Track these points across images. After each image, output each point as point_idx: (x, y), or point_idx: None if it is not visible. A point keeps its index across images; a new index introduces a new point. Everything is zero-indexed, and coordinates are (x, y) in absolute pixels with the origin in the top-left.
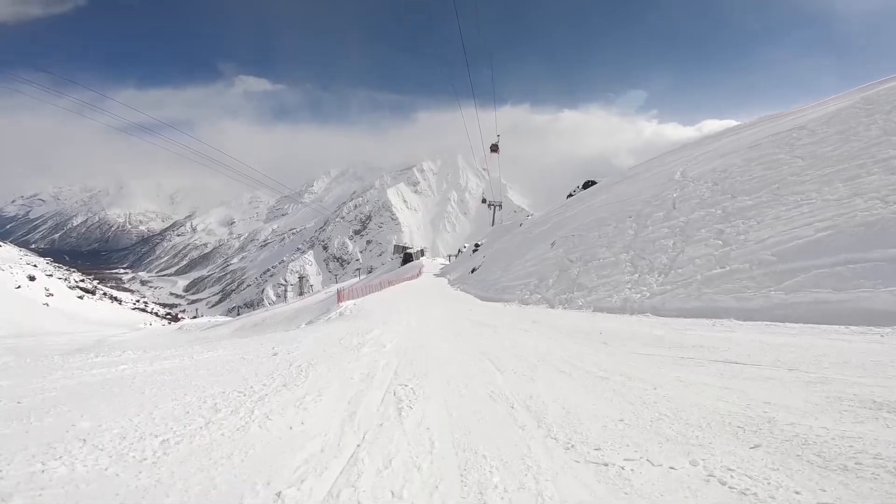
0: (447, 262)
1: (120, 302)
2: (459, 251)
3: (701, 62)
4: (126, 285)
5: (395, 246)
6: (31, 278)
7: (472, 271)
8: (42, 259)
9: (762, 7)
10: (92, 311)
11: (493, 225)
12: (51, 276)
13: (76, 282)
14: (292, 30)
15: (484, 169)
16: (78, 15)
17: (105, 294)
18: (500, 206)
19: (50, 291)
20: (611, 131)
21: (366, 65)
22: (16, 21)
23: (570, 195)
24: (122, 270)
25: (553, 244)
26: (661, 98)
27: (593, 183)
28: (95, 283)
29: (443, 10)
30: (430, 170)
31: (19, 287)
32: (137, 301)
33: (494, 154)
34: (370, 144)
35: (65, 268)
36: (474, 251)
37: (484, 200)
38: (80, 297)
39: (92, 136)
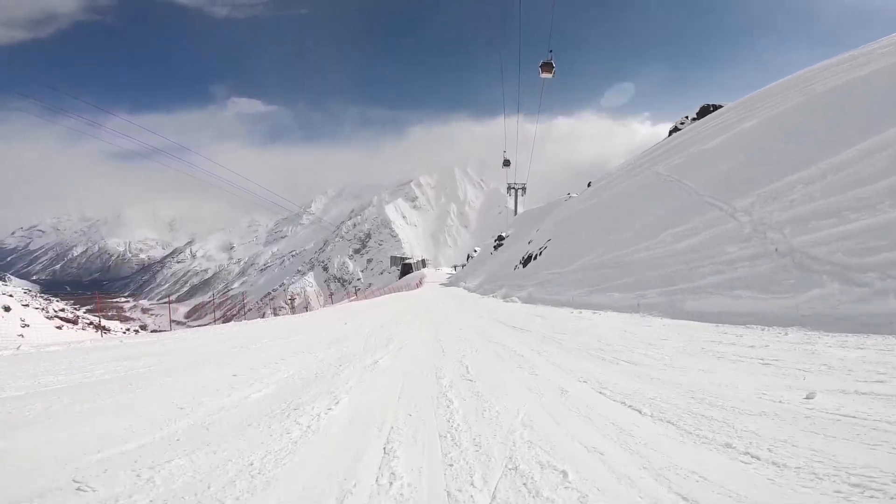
0: (453, 272)
1: (107, 331)
2: (469, 256)
3: (691, 58)
4: (127, 313)
5: (391, 258)
6: (7, 309)
7: (525, 263)
8: (19, 287)
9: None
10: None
11: (515, 214)
12: (27, 305)
13: (55, 311)
14: (283, 50)
15: (505, 162)
16: (62, 40)
17: (90, 323)
18: (524, 189)
19: (26, 322)
20: (604, 135)
21: (356, 83)
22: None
23: (676, 129)
24: (122, 299)
25: None
26: (652, 98)
27: (717, 107)
28: (82, 311)
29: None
30: (428, 184)
31: None
32: (127, 330)
33: (546, 76)
34: (366, 162)
35: (43, 296)
36: (497, 247)
37: (506, 163)
38: (59, 328)
39: (86, 164)
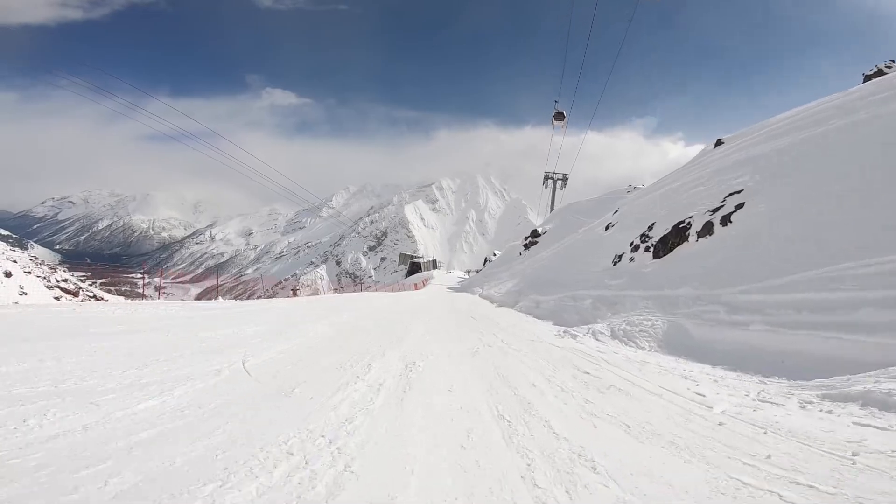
0: (466, 276)
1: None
2: (487, 260)
3: (729, 80)
4: (139, 290)
5: (400, 255)
6: (8, 274)
7: (661, 250)
8: (25, 253)
9: (787, 18)
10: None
11: (551, 208)
12: (29, 272)
13: (57, 281)
14: (318, 44)
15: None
16: (115, 22)
17: (93, 296)
18: (565, 181)
19: (24, 290)
20: (635, 154)
21: (386, 82)
22: (54, 23)
23: (879, 73)
24: (138, 275)
25: None
26: (686, 119)
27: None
28: (91, 283)
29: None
30: (450, 188)
31: None
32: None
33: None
34: (389, 161)
35: (47, 265)
36: (528, 245)
37: (559, 116)
38: (57, 298)
39: (122, 143)
